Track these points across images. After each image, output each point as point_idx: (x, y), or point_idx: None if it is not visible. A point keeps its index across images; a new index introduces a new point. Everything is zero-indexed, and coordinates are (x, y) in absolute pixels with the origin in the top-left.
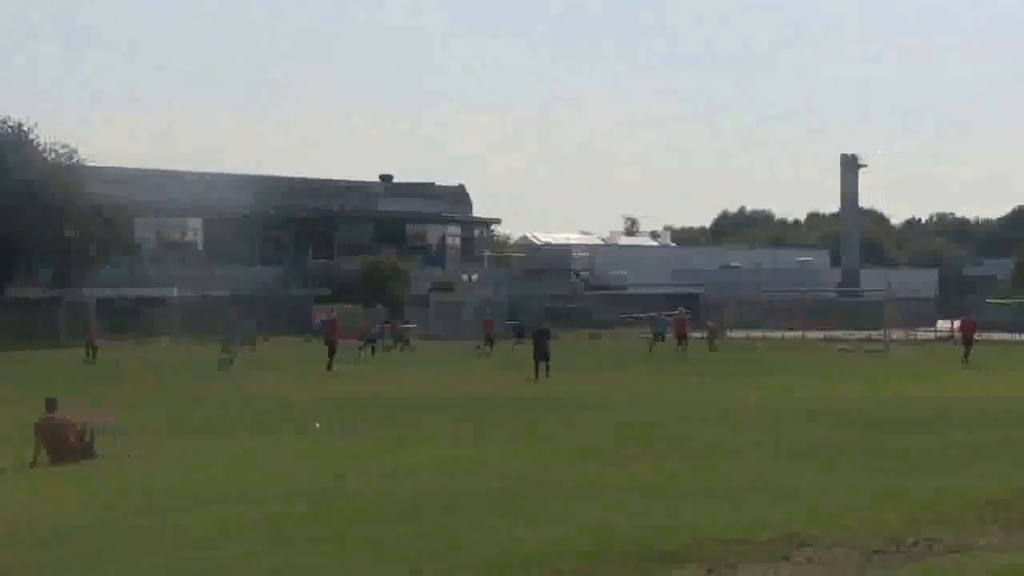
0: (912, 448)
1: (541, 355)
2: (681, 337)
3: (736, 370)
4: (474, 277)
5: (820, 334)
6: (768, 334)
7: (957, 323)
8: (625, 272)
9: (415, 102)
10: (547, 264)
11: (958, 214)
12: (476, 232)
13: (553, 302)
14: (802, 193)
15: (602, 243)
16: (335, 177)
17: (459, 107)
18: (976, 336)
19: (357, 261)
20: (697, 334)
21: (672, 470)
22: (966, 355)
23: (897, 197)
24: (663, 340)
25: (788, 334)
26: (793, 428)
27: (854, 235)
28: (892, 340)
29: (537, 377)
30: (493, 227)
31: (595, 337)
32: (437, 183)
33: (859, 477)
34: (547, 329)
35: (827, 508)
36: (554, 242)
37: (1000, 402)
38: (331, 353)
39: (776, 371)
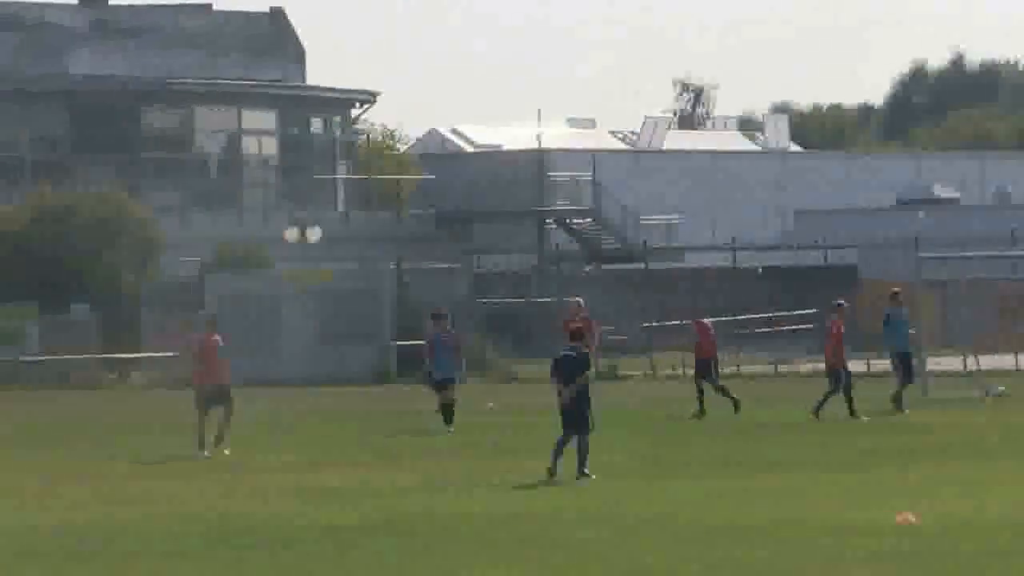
0: None
1: (573, 420)
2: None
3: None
4: (314, 232)
5: None
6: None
7: None
8: (677, 217)
9: None
10: (504, 196)
11: None
12: (321, 125)
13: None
14: None
15: (619, 148)
16: None
17: None
18: None
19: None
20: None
21: None
22: None
23: None
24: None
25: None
26: None
27: None
28: None
29: (553, 473)
30: (362, 110)
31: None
32: (216, 7)
33: None
34: (584, 355)
35: None
36: (506, 144)
37: None
38: None
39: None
